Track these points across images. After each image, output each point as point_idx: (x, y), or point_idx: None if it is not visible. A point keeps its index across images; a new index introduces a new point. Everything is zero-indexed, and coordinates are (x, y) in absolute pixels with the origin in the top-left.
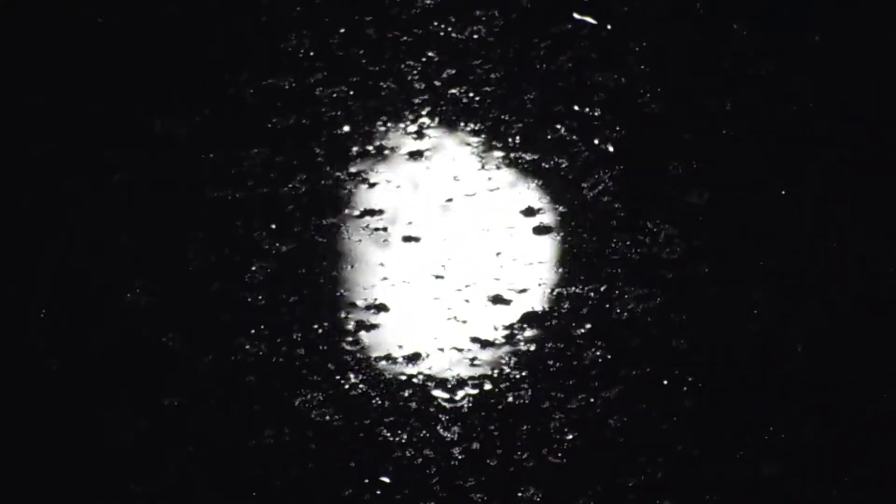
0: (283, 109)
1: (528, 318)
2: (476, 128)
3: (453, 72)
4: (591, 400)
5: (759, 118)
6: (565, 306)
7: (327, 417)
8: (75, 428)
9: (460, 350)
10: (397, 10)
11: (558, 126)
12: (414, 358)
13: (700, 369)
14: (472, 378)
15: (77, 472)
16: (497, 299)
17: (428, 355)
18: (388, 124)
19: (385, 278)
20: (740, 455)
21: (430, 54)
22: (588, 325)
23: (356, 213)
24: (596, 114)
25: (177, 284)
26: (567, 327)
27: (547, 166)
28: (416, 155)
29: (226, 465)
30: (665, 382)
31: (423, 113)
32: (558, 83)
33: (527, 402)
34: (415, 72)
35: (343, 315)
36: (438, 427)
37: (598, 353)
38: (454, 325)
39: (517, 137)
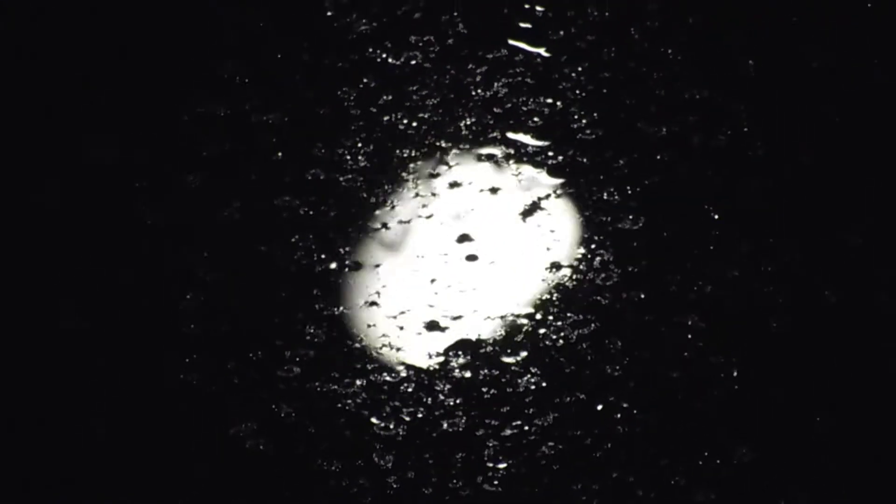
0: (217, 136)
1: (463, 345)
2: (411, 154)
3: (389, 98)
4: (526, 427)
5: (694, 144)
6: (500, 333)
7: (261, 447)
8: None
9: (394, 377)
10: (333, 36)
11: (494, 152)
12: (348, 386)
13: (634, 396)
14: (406, 406)
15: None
16: (432, 326)
17: (362, 383)
18: (324, 151)
19: (319, 306)
20: (675, 482)
21: (365, 80)
22: (523, 353)
23: (290, 240)
24: (531, 140)
25: (108, 311)
26: (501, 354)
27: (482, 192)
28: (351, 181)
29: (158, 496)
30: (599, 409)
31: (359, 139)
32: (494, 109)
33: (461, 429)
34: (350, 98)
35: (277, 343)
36: (374, 455)
37: (532, 381)
38: (389, 353)
39: (452, 164)
